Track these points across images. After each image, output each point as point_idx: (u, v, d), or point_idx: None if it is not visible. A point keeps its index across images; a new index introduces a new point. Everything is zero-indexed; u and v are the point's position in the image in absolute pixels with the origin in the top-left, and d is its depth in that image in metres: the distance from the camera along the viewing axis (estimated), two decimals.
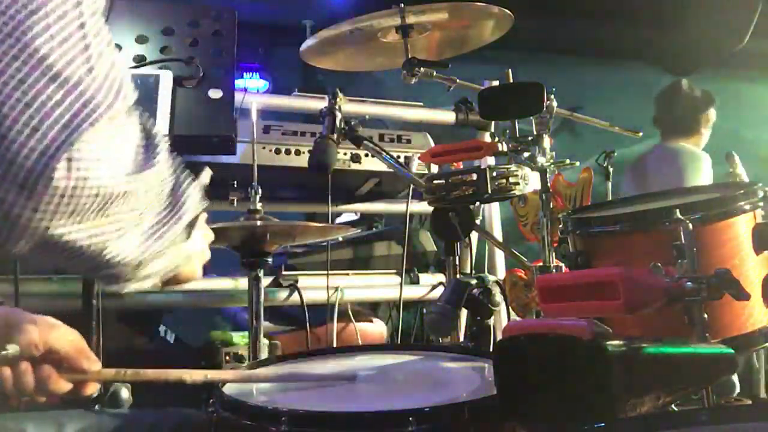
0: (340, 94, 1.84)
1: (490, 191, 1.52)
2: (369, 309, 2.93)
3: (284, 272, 2.50)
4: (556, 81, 1.62)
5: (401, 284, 2.61)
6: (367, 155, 2.41)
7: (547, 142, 1.50)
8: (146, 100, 1.42)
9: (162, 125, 1.41)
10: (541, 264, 1.55)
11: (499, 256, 2.78)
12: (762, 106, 6.05)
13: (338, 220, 3.21)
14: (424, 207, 2.48)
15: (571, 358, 0.79)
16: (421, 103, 2.79)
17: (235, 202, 2.19)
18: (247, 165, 1.94)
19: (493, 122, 2.58)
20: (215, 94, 1.49)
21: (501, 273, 2.68)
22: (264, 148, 2.31)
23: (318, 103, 2.15)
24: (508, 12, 1.90)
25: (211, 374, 1.11)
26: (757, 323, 1.24)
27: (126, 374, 1.03)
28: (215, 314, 2.88)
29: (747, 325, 1.23)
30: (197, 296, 2.39)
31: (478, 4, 1.87)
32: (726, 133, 5.43)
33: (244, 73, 5.01)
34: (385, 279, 2.70)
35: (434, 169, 2.36)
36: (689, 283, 0.98)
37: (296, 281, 2.45)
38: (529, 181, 1.57)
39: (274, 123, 2.39)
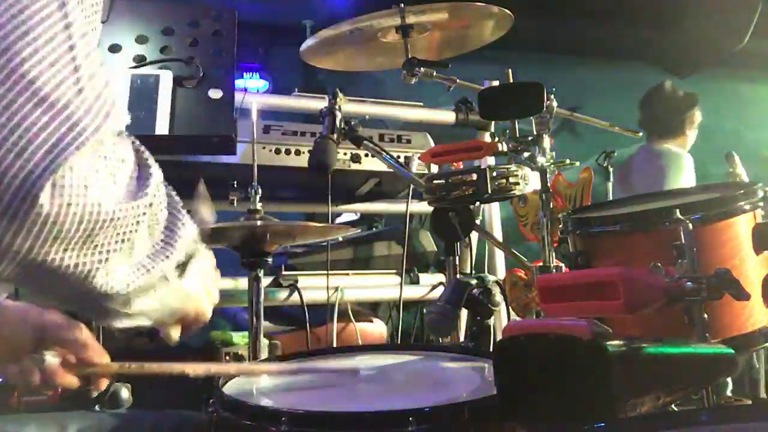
0: (340, 94, 1.85)
1: (490, 191, 1.52)
2: (369, 309, 2.94)
3: (284, 272, 2.50)
4: (556, 81, 1.62)
5: (401, 284, 2.61)
6: (367, 155, 2.42)
7: (547, 142, 1.50)
8: (146, 100, 1.42)
9: (162, 125, 1.41)
10: (541, 264, 1.55)
11: (499, 256, 2.78)
12: (762, 106, 6.05)
13: (338, 220, 3.22)
14: (424, 207, 2.48)
15: (571, 358, 0.79)
16: (421, 103, 2.79)
17: (235, 202, 2.19)
18: (247, 165, 1.94)
19: (493, 122, 2.59)
20: (215, 94, 1.49)
21: (501, 273, 2.69)
22: (264, 148, 2.31)
23: (318, 103, 2.16)
24: (508, 12, 1.90)
25: (214, 368, 1.12)
26: (757, 323, 1.24)
27: (130, 368, 1.05)
28: (215, 314, 2.87)
29: (747, 325, 1.23)
30: None
31: (478, 4, 1.87)
32: (726, 133, 5.45)
33: (244, 73, 5.01)
34: (385, 279, 2.70)
35: (434, 169, 2.36)
36: (689, 283, 0.99)
37: (296, 281, 2.45)
38: (529, 181, 1.57)
39: (274, 123, 2.40)
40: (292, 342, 2.51)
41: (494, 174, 1.53)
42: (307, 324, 2.39)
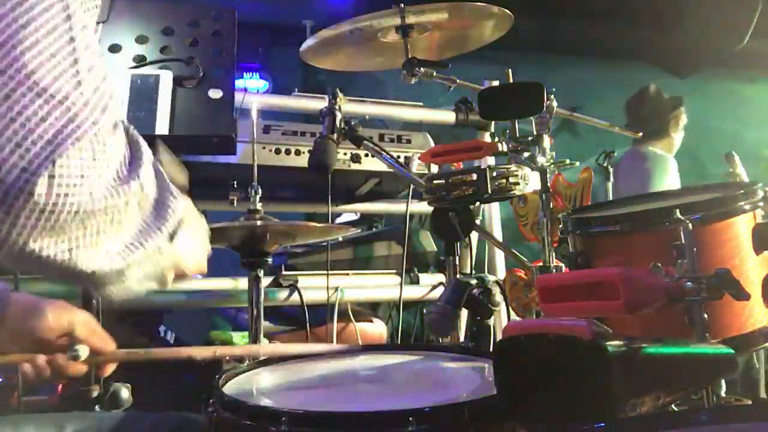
0: (340, 94, 1.84)
1: (490, 191, 1.52)
2: (369, 309, 2.93)
3: (284, 272, 2.50)
4: (556, 81, 1.62)
5: (401, 284, 2.61)
6: (367, 155, 2.41)
7: (547, 142, 1.50)
8: (146, 100, 1.42)
9: (162, 125, 1.41)
10: (541, 264, 1.55)
11: (499, 256, 2.78)
12: (762, 106, 6.05)
13: (338, 220, 3.22)
14: (424, 207, 2.48)
15: (571, 358, 0.79)
16: (421, 103, 2.79)
17: (235, 202, 2.18)
18: (247, 165, 1.94)
19: (493, 122, 2.59)
20: (215, 94, 1.49)
21: (501, 273, 2.69)
22: (264, 148, 2.31)
23: (318, 103, 2.15)
24: (508, 12, 1.90)
25: (220, 350, 1.12)
26: (757, 323, 1.24)
27: (138, 353, 1.05)
28: (215, 314, 2.88)
29: (747, 325, 1.23)
30: (197, 296, 2.39)
31: (478, 4, 1.87)
32: (726, 133, 5.45)
33: (244, 73, 5.01)
34: (385, 279, 2.70)
35: (434, 169, 2.36)
36: (689, 283, 0.98)
37: (296, 281, 2.45)
38: (529, 181, 1.57)
39: (274, 123, 2.39)
40: (292, 342, 2.51)
41: (494, 174, 1.53)
42: (307, 324, 2.39)
